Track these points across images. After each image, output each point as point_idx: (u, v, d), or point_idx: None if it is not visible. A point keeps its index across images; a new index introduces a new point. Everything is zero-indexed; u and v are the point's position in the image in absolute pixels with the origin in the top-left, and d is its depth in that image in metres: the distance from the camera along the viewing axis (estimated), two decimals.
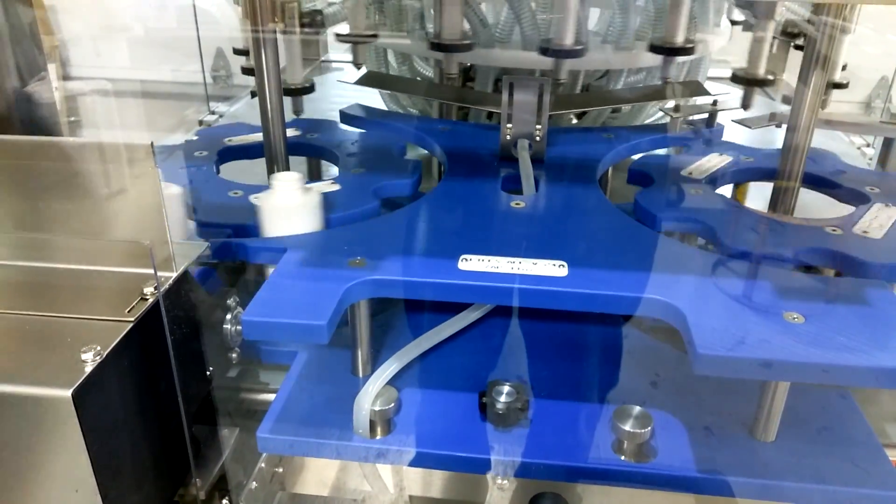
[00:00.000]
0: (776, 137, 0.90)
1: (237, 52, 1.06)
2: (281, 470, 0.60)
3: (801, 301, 0.53)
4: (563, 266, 0.56)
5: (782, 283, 0.55)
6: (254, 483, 0.56)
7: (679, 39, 0.84)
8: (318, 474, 0.66)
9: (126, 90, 1.58)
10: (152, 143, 0.47)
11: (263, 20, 0.71)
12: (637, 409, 0.54)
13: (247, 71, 0.99)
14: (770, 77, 0.90)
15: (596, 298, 0.54)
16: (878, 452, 0.54)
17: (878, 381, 0.47)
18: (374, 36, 0.94)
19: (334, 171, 0.86)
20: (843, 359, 0.47)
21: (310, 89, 0.93)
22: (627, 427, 0.53)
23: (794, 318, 0.51)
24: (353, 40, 0.95)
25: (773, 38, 0.86)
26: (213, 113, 1.33)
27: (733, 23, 1.02)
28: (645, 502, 0.59)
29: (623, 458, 0.53)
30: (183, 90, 1.62)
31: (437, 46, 0.87)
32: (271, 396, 0.61)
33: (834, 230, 0.65)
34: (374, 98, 1.10)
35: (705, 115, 0.89)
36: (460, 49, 0.87)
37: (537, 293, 0.54)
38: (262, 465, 0.58)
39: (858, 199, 0.74)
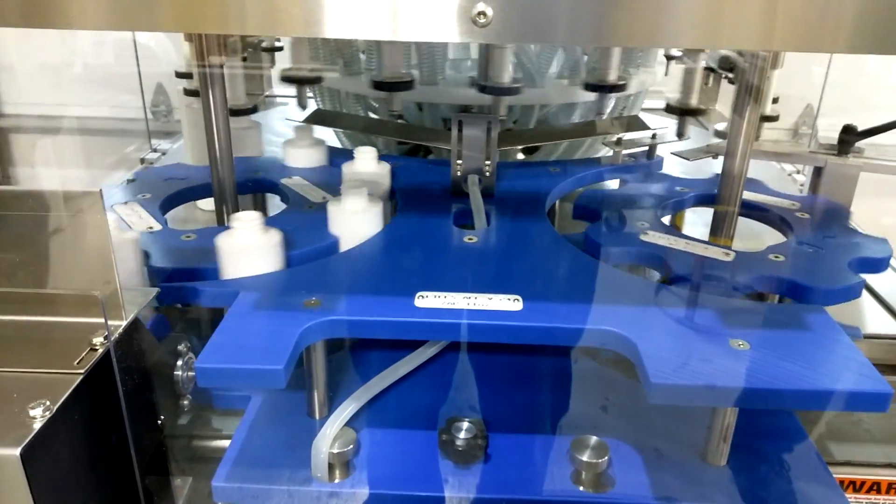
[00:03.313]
0: (711, 167, 0.94)
1: (179, 74, 1.05)
2: None
3: (744, 328, 0.55)
4: (518, 300, 0.57)
5: (726, 310, 0.57)
6: None
7: (612, 78, 0.88)
8: None
9: (63, 127, 1.54)
10: (100, 191, 0.47)
11: (212, 57, 0.71)
12: (594, 439, 0.55)
13: (189, 92, 0.99)
14: (702, 107, 0.94)
15: (551, 332, 0.55)
16: (823, 470, 0.56)
17: (823, 405, 0.49)
18: (319, 79, 0.96)
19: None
20: (791, 384, 0.49)
21: (252, 110, 0.94)
22: (585, 457, 0.54)
23: (740, 345, 0.52)
24: (298, 79, 0.96)
25: (710, 70, 0.90)
26: (154, 150, 1.31)
27: (669, 58, 1.06)
28: None
29: (581, 488, 0.54)
30: (122, 126, 1.59)
31: (380, 85, 0.88)
32: (225, 443, 0.59)
33: (776, 257, 0.68)
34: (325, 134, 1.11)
35: (646, 148, 0.92)
36: (402, 88, 0.88)
37: (494, 328, 0.55)
38: None
39: (789, 225, 0.78)
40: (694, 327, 0.55)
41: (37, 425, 0.41)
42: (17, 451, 0.39)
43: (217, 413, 0.65)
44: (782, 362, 0.51)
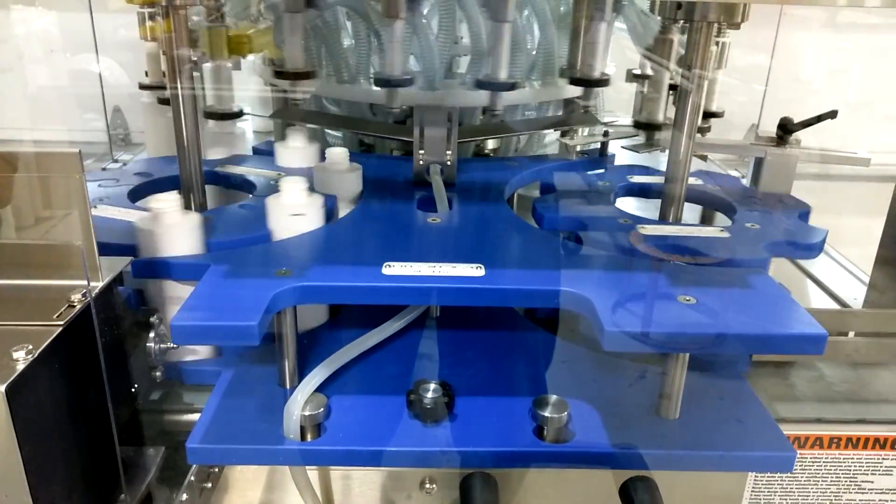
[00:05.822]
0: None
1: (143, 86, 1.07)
2: (210, 486, 0.60)
3: (691, 287, 0.59)
4: (481, 268, 0.60)
5: (674, 273, 0.61)
6: (184, 495, 0.55)
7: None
8: (244, 498, 0.66)
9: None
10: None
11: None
12: (554, 397, 0.58)
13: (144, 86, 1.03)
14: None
15: (512, 293, 0.58)
16: (769, 422, 0.59)
17: (765, 348, 0.53)
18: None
19: None
20: (734, 329, 0.53)
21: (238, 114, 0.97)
22: (546, 413, 0.56)
23: (687, 300, 0.56)
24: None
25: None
26: (116, 161, 1.32)
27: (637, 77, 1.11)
28: (565, 482, 0.62)
29: (544, 441, 0.57)
30: (84, 150, 1.58)
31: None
32: (196, 416, 0.60)
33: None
34: None
35: (598, 145, 0.97)
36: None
37: (458, 291, 0.58)
38: (192, 478, 0.58)
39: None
40: (644, 287, 0.59)
41: (20, 366, 0.42)
42: (1, 388, 0.40)
43: (188, 389, 0.66)
44: (726, 312, 0.55)
